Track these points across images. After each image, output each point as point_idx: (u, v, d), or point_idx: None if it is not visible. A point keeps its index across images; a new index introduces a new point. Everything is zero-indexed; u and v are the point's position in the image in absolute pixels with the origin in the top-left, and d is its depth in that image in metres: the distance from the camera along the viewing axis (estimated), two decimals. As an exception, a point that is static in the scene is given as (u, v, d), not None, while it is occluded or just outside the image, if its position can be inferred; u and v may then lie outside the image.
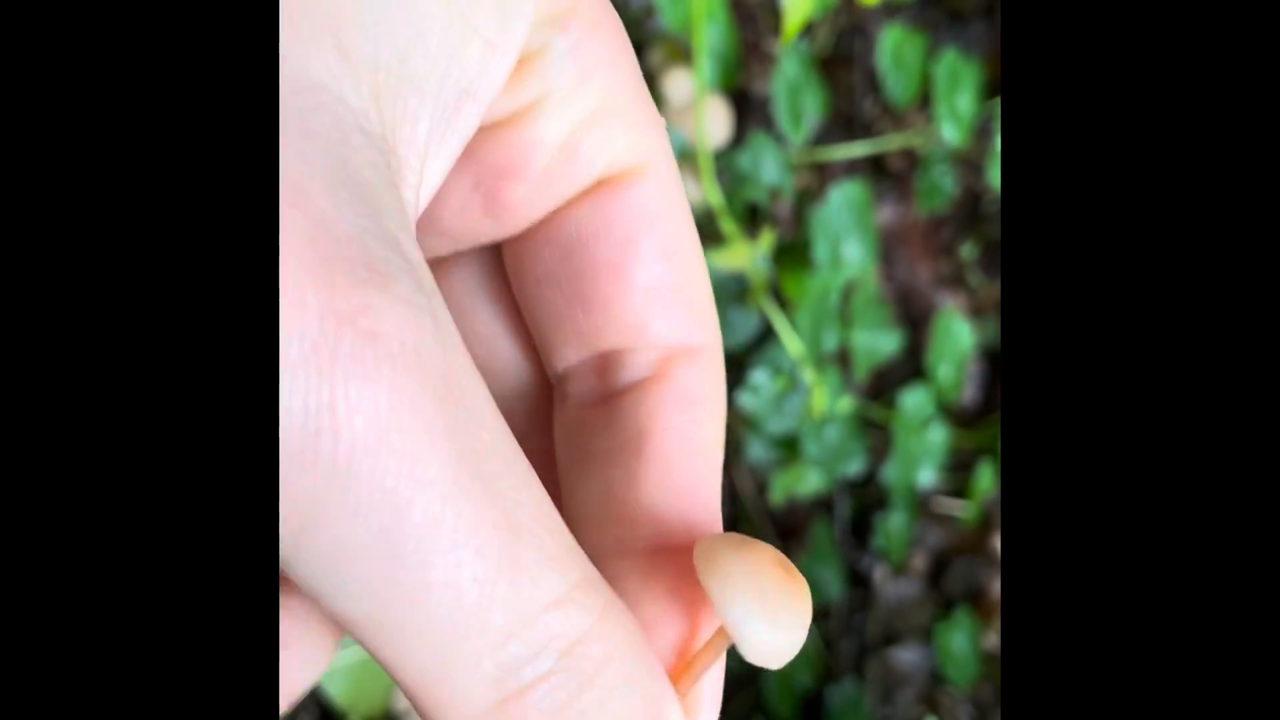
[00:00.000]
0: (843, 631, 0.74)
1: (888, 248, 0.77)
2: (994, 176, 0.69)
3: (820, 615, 0.73)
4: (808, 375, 0.60)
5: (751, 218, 0.67)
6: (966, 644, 0.73)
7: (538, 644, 0.15)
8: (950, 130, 0.67)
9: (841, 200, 0.63)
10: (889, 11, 0.77)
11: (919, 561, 0.77)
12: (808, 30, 0.74)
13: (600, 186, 0.19)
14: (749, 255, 0.56)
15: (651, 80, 0.67)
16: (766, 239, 0.57)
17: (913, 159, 0.76)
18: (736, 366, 0.60)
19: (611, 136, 0.18)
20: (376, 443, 0.13)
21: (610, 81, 0.18)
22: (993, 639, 0.76)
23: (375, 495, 0.13)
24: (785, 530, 0.72)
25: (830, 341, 0.61)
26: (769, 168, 0.62)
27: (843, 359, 0.67)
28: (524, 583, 0.15)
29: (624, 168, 0.19)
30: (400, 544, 0.13)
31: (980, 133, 0.71)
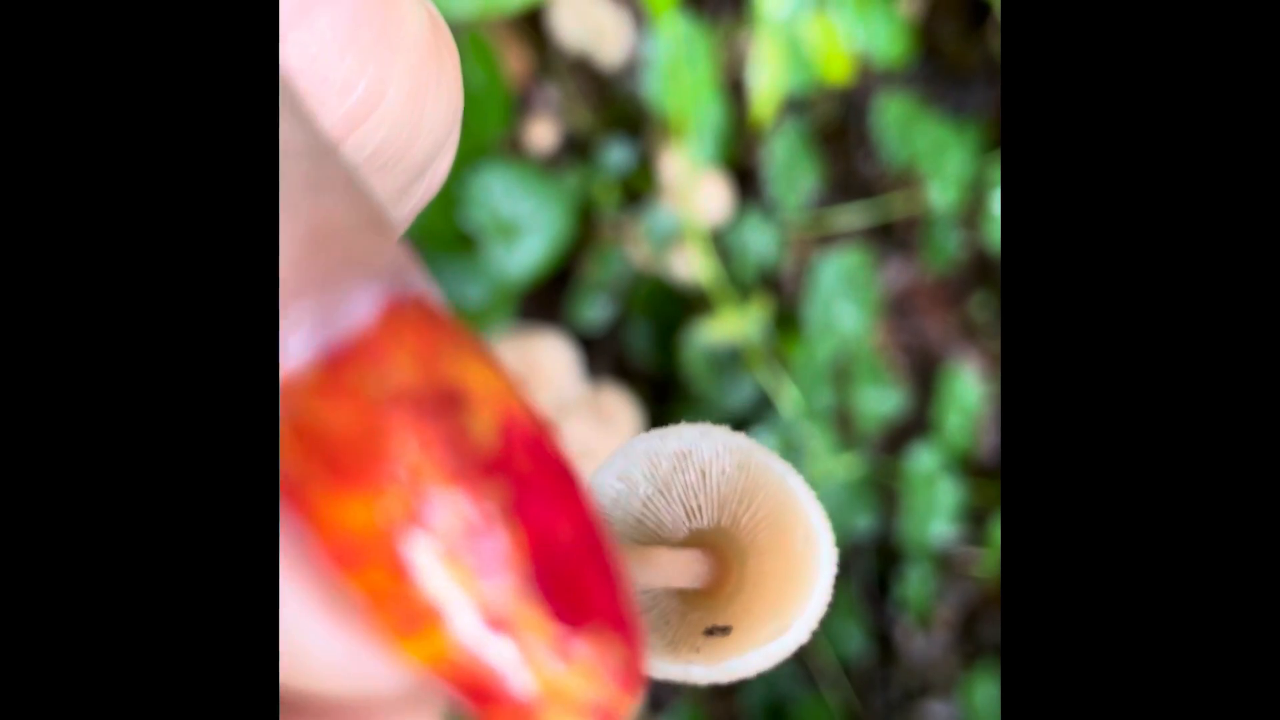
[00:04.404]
0: (870, 687, 0.75)
1: (899, 307, 0.79)
2: (988, 235, 0.71)
3: (845, 672, 0.74)
4: (806, 435, 0.62)
5: (761, 288, 0.69)
6: (996, 696, 0.73)
7: None
8: (939, 194, 0.69)
9: (836, 269, 0.66)
10: (892, 78, 0.80)
11: (947, 615, 0.78)
12: (808, 104, 0.77)
13: None
14: (740, 325, 0.59)
15: (649, 161, 0.70)
16: (756, 309, 0.60)
17: (916, 220, 0.78)
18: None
19: None
20: None
21: None
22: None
23: None
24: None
25: (821, 401, 0.63)
26: (760, 244, 0.65)
27: (848, 418, 0.69)
28: None
29: None
30: None
31: (979, 192, 0.73)
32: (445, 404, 0.10)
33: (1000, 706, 0.61)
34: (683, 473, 0.16)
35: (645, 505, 0.16)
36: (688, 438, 0.16)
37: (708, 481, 0.16)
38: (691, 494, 0.16)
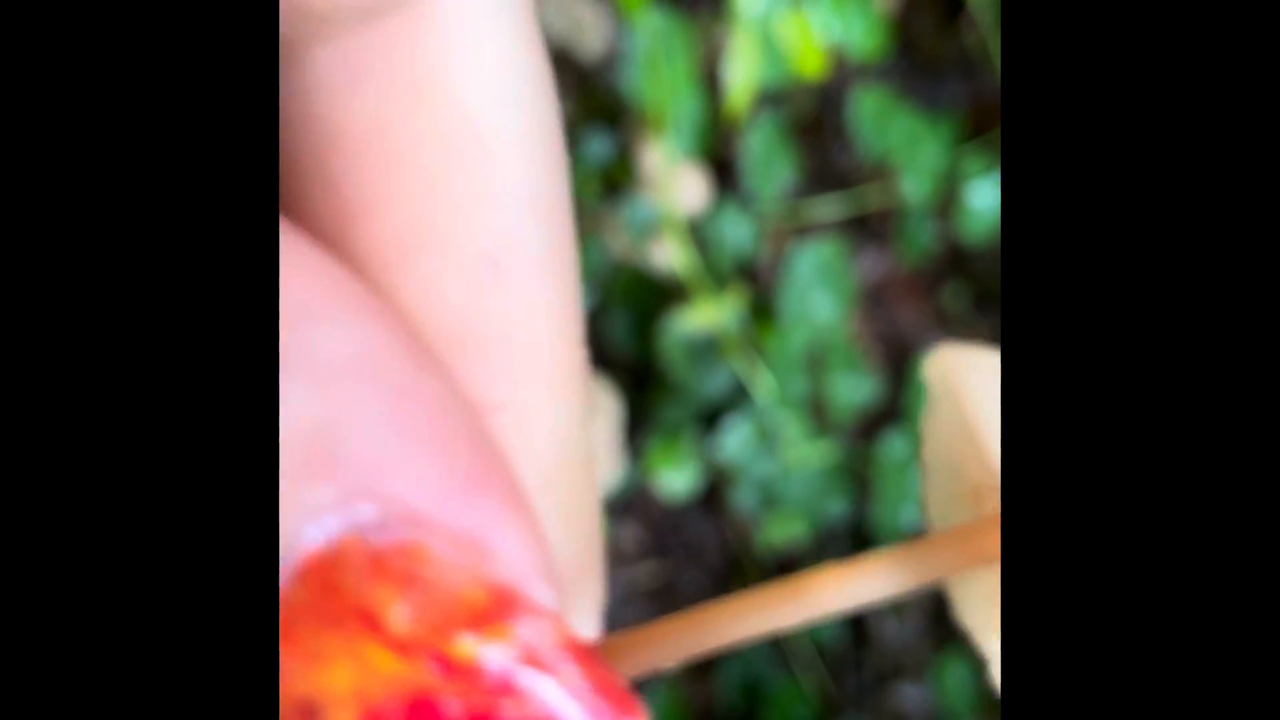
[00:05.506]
0: (844, 669, 0.76)
1: (874, 297, 0.80)
2: (963, 228, 0.72)
3: (820, 655, 0.75)
4: (781, 423, 0.64)
5: (738, 277, 0.70)
6: (967, 679, 0.75)
7: None
8: (913, 187, 0.70)
9: (811, 259, 0.67)
10: (867, 71, 0.81)
11: (919, 600, 0.79)
12: (784, 96, 0.78)
13: None
14: (717, 315, 0.60)
15: (627, 152, 0.71)
16: (733, 299, 0.61)
17: (891, 212, 0.79)
18: (710, 420, 0.64)
19: None
20: None
21: None
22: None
23: None
24: (779, 576, 0.75)
25: (796, 389, 0.64)
26: (737, 235, 0.66)
27: (823, 406, 0.70)
28: None
29: None
30: None
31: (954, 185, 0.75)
32: (304, 717, 0.12)
33: (977, 687, 0.61)
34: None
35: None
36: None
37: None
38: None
